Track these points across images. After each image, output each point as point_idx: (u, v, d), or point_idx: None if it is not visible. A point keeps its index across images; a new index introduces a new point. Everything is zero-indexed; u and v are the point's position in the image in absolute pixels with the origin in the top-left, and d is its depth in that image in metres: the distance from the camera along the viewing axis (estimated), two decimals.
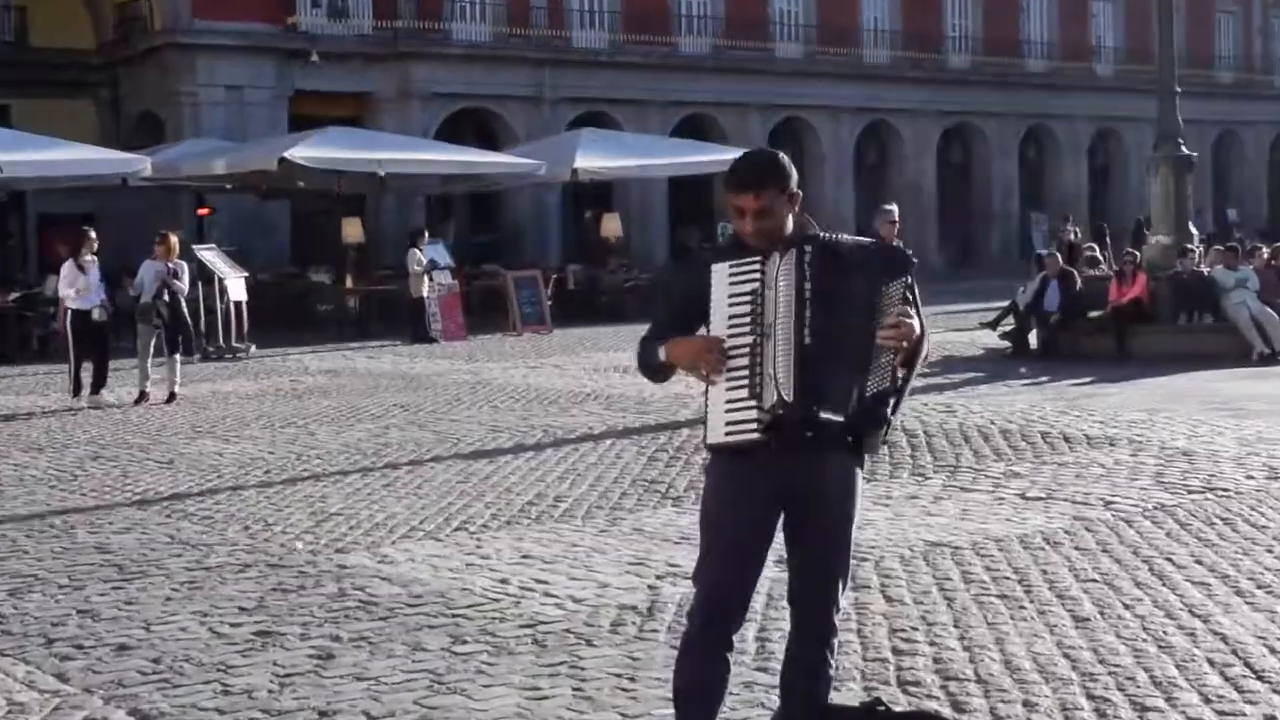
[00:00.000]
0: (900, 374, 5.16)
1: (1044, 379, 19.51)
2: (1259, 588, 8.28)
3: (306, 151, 30.38)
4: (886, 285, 5.07)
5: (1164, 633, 7.43)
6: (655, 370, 5.28)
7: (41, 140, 29.71)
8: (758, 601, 7.51)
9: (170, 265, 19.63)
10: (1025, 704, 6.41)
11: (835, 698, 5.71)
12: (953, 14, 55.05)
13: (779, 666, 5.57)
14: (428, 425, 16.16)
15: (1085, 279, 24.05)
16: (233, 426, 16.58)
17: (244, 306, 26.54)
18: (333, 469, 13.35)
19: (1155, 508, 10.60)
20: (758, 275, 5.06)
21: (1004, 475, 12.13)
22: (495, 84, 43.49)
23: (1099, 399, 17.11)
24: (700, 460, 12.47)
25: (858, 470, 5.26)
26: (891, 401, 5.16)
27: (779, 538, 5.29)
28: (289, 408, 18.19)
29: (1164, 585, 8.36)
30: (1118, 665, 6.91)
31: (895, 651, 7.23)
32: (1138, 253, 24.24)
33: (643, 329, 5.40)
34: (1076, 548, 9.36)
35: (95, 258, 19.78)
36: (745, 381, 5.04)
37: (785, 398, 4.98)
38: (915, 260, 5.24)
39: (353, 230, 33.23)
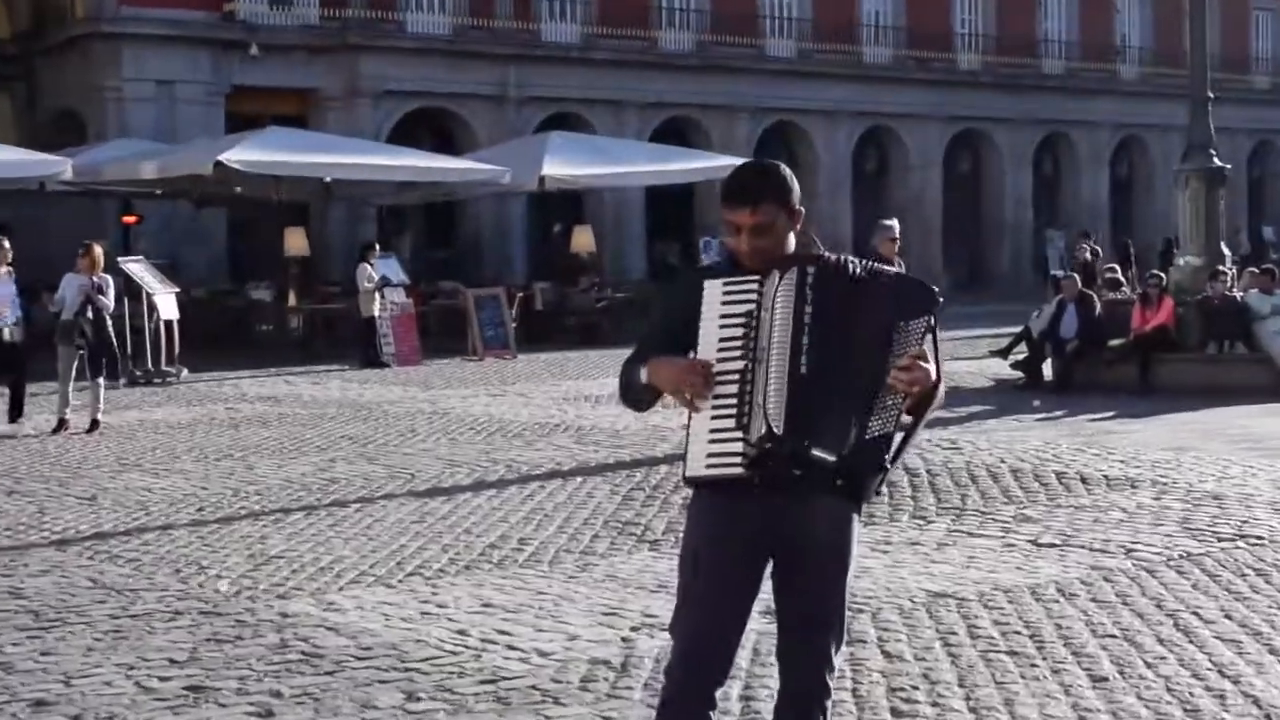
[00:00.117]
0: (906, 421, 5.16)
1: (1059, 413, 19.61)
2: None
3: (244, 154, 30.41)
4: (907, 322, 5.05)
5: (1190, 694, 7.49)
6: (636, 394, 5.28)
7: None
8: (742, 657, 7.56)
9: (95, 279, 19.59)
10: None
11: None
12: (962, 9, 55.36)
13: None
14: (379, 459, 16.18)
15: (1106, 303, 24.17)
16: (162, 459, 16.58)
17: (175, 325, 26.51)
18: (273, 507, 13.36)
19: (1181, 556, 10.68)
20: (754, 296, 5.07)
21: (1014, 519, 12.20)
22: (455, 81, 43.59)
23: (1120, 436, 17.21)
24: (680, 500, 12.52)
25: (854, 515, 5.26)
26: (893, 448, 5.17)
27: (767, 586, 5.31)
28: (225, 438, 18.20)
29: (1190, 642, 8.43)
30: None
31: (894, 713, 7.28)
32: (1164, 275, 24.32)
33: (616, 353, 5.44)
34: (1094, 600, 9.42)
35: (11, 269, 19.78)
36: (732, 410, 5.04)
37: (775, 430, 4.97)
38: (942, 300, 5.19)
39: (296, 242, 33.22)
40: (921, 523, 12.06)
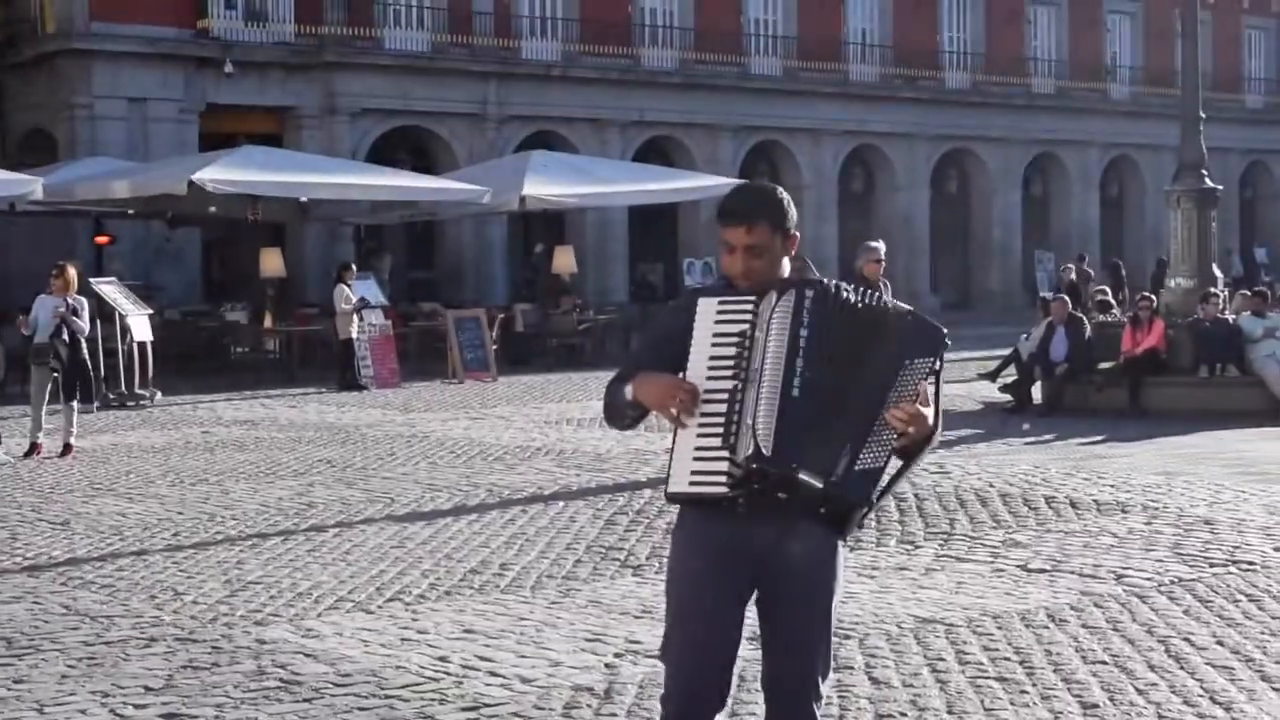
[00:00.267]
0: (896, 463, 5.22)
1: (1049, 437, 19.68)
2: None
3: (219, 173, 30.38)
4: (912, 360, 5.09)
5: None
6: (621, 411, 5.32)
7: None
8: None
9: (69, 301, 19.57)
10: None
11: None
12: (950, 27, 55.49)
13: None
14: (357, 483, 16.20)
15: (1096, 326, 24.26)
16: (136, 483, 16.58)
17: (149, 347, 26.49)
18: (250, 531, 13.38)
19: (1172, 582, 10.74)
20: (749, 316, 5.12)
21: (1003, 544, 12.25)
22: (434, 99, 43.62)
23: (1110, 460, 17.27)
24: (664, 524, 12.57)
25: (839, 542, 5.31)
26: (881, 484, 5.21)
27: (753, 612, 5.36)
28: (200, 462, 18.21)
29: (1182, 668, 8.48)
30: None
31: None
32: (1155, 297, 24.40)
33: (599, 376, 5.49)
34: (1084, 626, 9.48)
35: None
36: (719, 429, 5.08)
37: (763, 450, 5.01)
38: (949, 343, 5.23)
39: (272, 263, 33.23)
40: (909, 547, 12.11)
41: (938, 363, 5.15)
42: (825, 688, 5.42)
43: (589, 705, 7.93)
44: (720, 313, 5.17)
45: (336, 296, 29.17)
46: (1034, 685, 8.18)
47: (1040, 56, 57.50)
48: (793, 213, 5.27)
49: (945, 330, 5.20)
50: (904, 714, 7.70)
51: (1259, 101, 63.43)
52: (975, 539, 12.47)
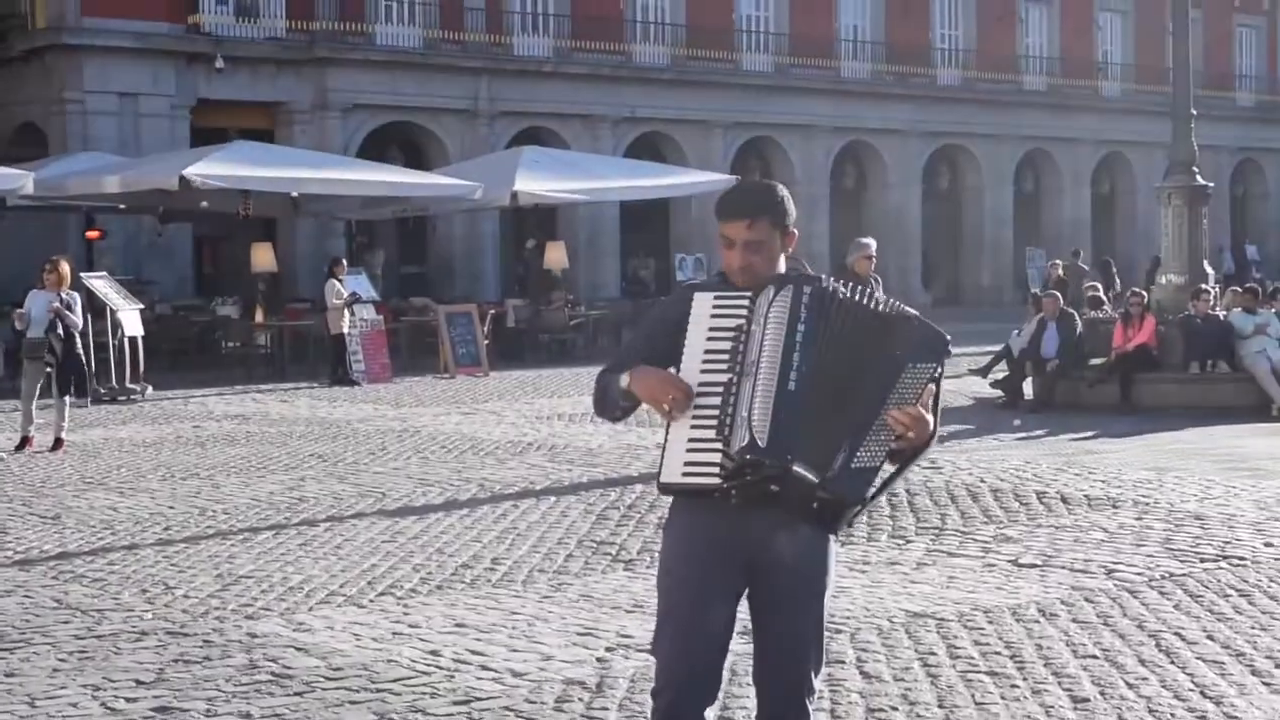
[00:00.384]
0: (891, 465, 5.23)
1: (1040, 433, 19.70)
2: (1277, 667, 8.42)
3: (210, 168, 30.35)
4: (914, 365, 5.11)
5: (1172, 715, 7.56)
6: (612, 402, 5.31)
7: None
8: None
9: (63, 296, 19.54)
10: None
11: None
12: (942, 24, 55.55)
13: None
14: (349, 478, 16.20)
15: (1087, 322, 24.28)
16: (127, 478, 16.57)
17: (139, 342, 26.49)
18: (241, 526, 13.38)
19: (1163, 577, 10.75)
20: (744, 311, 5.12)
21: (994, 539, 12.26)
22: (425, 95, 43.65)
23: (1101, 456, 17.29)
24: (655, 519, 12.57)
25: (830, 537, 5.32)
26: (875, 485, 5.22)
27: (744, 606, 5.36)
28: (191, 457, 18.20)
29: (1172, 663, 8.50)
30: None
31: None
32: (1145, 293, 24.42)
33: (590, 371, 5.49)
34: (1075, 620, 9.49)
35: None
36: (714, 421, 5.07)
37: (759, 442, 5.00)
38: (952, 352, 5.27)
39: (263, 258, 33.23)
40: (900, 542, 12.12)
41: (939, 369, 5.17)
42: (818, 682, 5.43)
43: (580, 699, 7.93)
44: (716, 307, 5.17)
45: (328, 291, 29.17)
46: (1025, 679, 8.18)
47: (1032, 54, 57.57)
48: (793, 210, 5.29)
49: (949, 338, 5.22)
50: (895, 708, 7.71)
51: (1250, 99, 63.57)
52: (966, 534, 12.48)
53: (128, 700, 8.05)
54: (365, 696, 8.04)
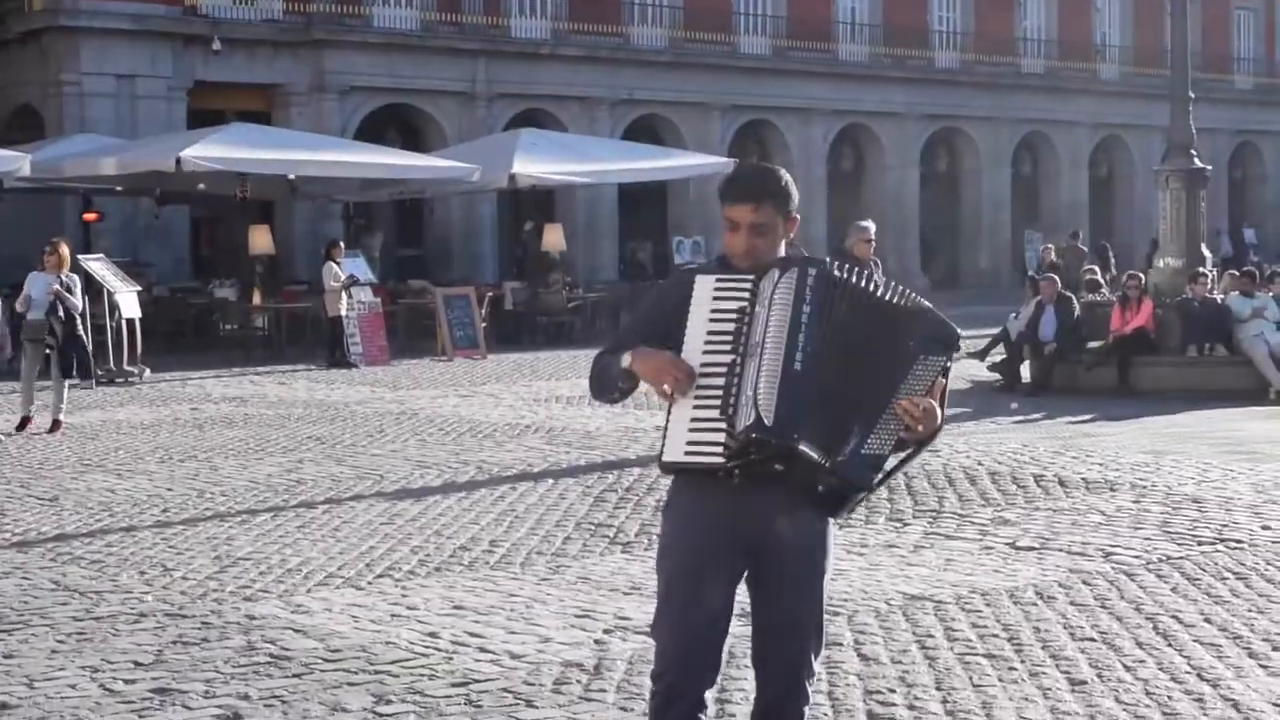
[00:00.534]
0: (898, 455, 5.24)
1: (1038, 416, 19.71)
2: (1274, 649, 8.44)
3: (207, 150, 30.35)
4: (925, 356, 5.13)
5: (1169, 698, 7.57)
6: (611, 382, 5.29)
7: None
8: None
9: (63, 278, 19.54)
10: None
11: None
12: (940, 6, 55.51)
13: None
14: (346, 460, 16.21)
15: (1085, 305, 24.28)
16: (125, 460, 16.58)
17: (137, 324, 26.48)
18: (239, 508, 13.39)
19: (1160, 560, 10.77)
20: (747, 292, 5.12)
21: (992, 522, 12.27)
22: (423, 77, 43.57)
23: (1099, 439, 17.30)
24: (654, 501, 12.57)
25: (830, 520, 5.33)
26: (881, 472, 5.22)
27: (743, 588, 5.37)
28: (189, 439, 18.21)
29: (1169, 645, 8.51)
30: None
31: (870, 716, 7.35)
32: (1143, 276, 24.41)
33: (588, 353, 5.48)
34: (1072, 603, 9.50)
35: None
36: (717, 401, 5.06)
37: (765, 420, 4.98)
38: (962, 347, 5.27)
39: (261, 240, 33.19)
40: (898, 525, 12.13)
41: (948, 361, 5.19)
42: (817, 664, 5.45)
43: (579, 681, 7.94)
44: (718, 290, 5.16)
45: (325, 274, 29.17)
46: (1022, 662, 8.20)
47: (1030, 36, 57.51)
48: (796, 196, 5.29)
49: (960, 333, 5.25)
50: (892, 690, 7.72)
51: (1248, 82, 63.50)
52: (964, 517, 12.49)
53: (126, 681, 8.06)
54: (363, 678, 8.05)
